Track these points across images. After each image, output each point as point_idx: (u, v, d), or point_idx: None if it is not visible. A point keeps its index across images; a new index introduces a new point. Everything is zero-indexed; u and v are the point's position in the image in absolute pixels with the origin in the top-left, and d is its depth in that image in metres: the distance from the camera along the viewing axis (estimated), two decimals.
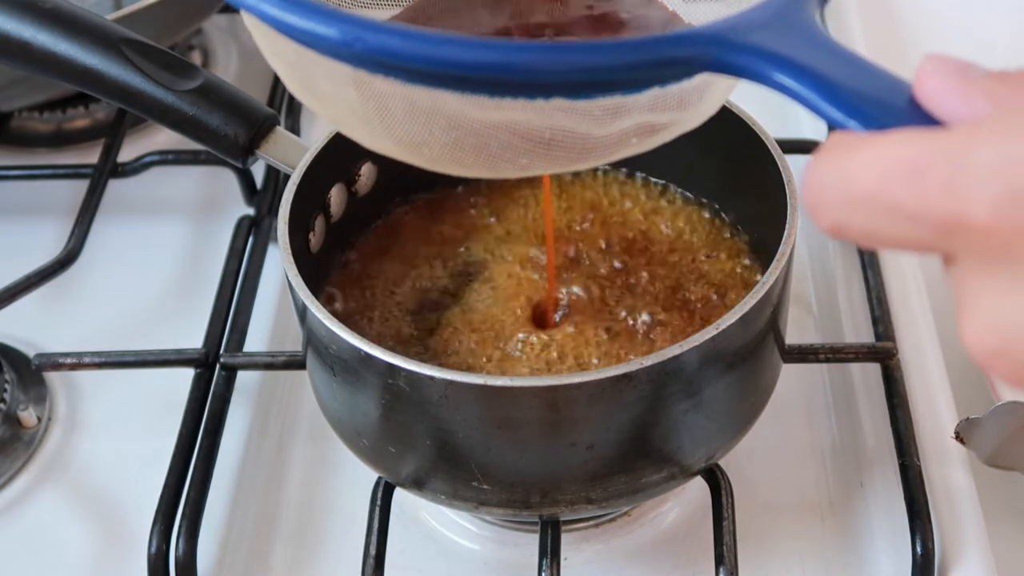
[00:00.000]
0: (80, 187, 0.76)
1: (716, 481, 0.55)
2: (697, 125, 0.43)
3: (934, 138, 0.29)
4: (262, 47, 0.43)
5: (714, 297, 0.57)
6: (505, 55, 0.34)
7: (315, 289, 0.54)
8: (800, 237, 0.73)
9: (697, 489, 0.60)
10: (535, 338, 0.55)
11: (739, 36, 0.34)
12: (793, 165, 0.55)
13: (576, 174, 0.64)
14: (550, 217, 0.57)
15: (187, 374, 0.65)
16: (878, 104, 0.32)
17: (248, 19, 0.40)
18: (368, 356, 0.48)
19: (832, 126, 0.33)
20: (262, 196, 0.77)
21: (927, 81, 0.32)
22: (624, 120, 0.39)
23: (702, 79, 0.36)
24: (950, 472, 0.59)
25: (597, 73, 0.34)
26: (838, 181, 0.30)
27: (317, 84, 0.41)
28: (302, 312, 0.51)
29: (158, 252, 0.78)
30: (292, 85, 0.44)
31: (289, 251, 0.52)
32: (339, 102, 0.41)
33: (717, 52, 0.34)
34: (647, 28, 0.48)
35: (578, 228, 0.62)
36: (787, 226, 0.51)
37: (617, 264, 0.59)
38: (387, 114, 0.40)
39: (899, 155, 0.29)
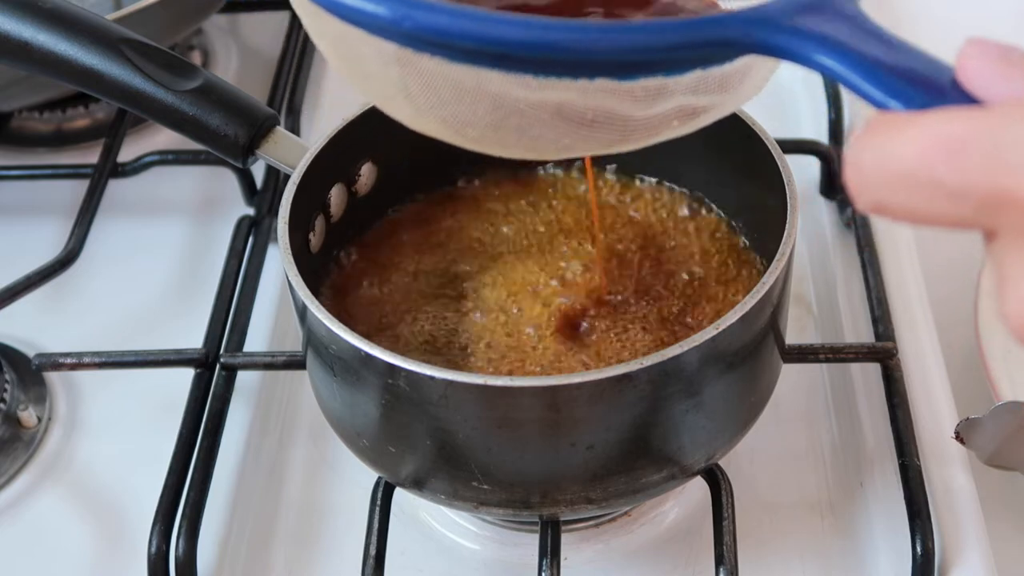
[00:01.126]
0: (80, 187, 0.76)
1: (716, 481, 0.55)
2: (737, 108, 0.43)
3: (975, 115, 0.29)
4: (307, 26, 0.43)
5: (713, 296, 0.57)
6: (552, 34, 0.34)
7: (315, 289, 0.54)
8: (800, 237, 0.73)
9: (697, 489, 0.60)
10: (534, 339, 0.55)
11: (782, 18, 0.35)
12: (793, 165, 0.55)
13: (573, 174, 0.64)
14: (596, 209, 0.57)
15: (187, 374, 0.65)
16: (920, 85, 0.33)
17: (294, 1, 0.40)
18: (368, 356, 0.48)
19: (875, 106, 0.33)
20: (262, 196, 0.77)
21: (969, 63, 0.32)
22: (666, 102, 0.39)
23: (744, 62, 0.36)
24: (950, 472, 0.59)
25: (642, 53, 0.34)
26: (879, 159, 0.30)
27: (362, 63, 0.41)
28: (302, 312, 0.51)
29: (158, 252, 0.78)
30: (336, 64, 0.44)
31: (289, 251, 0.52)
32: (383, 81, 0.41)
33: (761, 33, 0.34)
34: (686, 11, 0.48)
35: (577, 227, 0.62)
36: (787, 226, 0.51)
37: (613, 262, 0.59)
38: (432, 93, 0.40)
39: (940, 132, 0.29)
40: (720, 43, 0.35)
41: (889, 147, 0.30)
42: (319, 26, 0.42)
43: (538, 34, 0.34)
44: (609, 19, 0.47)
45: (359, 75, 0.43)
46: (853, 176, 0.31)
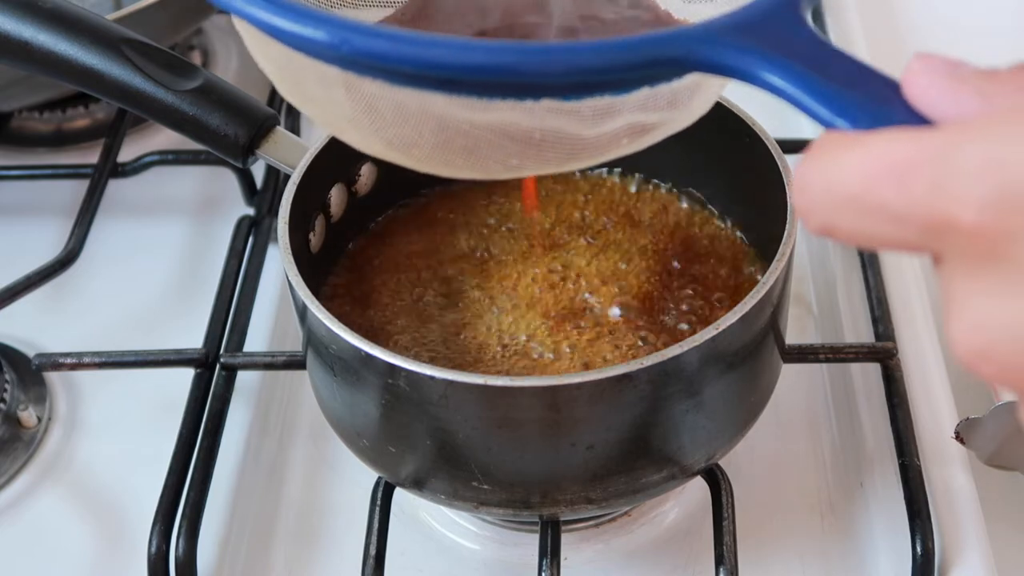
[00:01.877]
0: (80, 187, 0.76)
1: (716, 481, 0.55)
2: (688, 125, 0.42)
3: (921, 138, 0.29)
4: (251, 49, 0.43)
5: (713, 297, 0.57)
6: (494, 57, 0.33)
7: (315, 289, 0.54)
8: (800, 237, 0.73)
9: (697, 489, 0.60)
10: (535, 339, 0.55)
11: (727, 35, 0.34)
12: (793, 165, 0.55)
13: (575, 173, 0.64)
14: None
15: (187, 374, 0.65)
16: (867, 104, 0.32)
17: (238, 22, 0.40)
18: (368, 356, 0.48)
19: (822, 125, 0.32)
20: (262, 196, 0.77)
21: (916, 80, 0.31)
22: (614, 120, 0.39)
23: (693, 79, 0.36)
24: (950, 472, 0.59)
25: (586, 74, 0.34)
26: (825, 183, 0.30)
27: (307, 87, 0.41)
28: (302, 312, 0.51)
29: (158, 252, 0.78)
30: (282, 87, 0.43)
31: (289, 251, 0.52)
32: (329, 104, 0.41)
33: (705, 51, 0.34)
34: (637, 29, 0.48)
35: (580, 226, 0.61)
36: (787, 226, 0.51)
37: (615, 263, 0.59)
38: (376, 116, 0.39)
39: (885, 156, 0.29)
40: (664, 62, 0.34)
41: (835, 170, 0.30)
42: (263, 49, 0.42)
43: (479, 57, 0.33)
44: (554, 38, 0.46)
45: (304, 98, 0.43)
46: (800, 199, 0.31)
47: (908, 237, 0.29)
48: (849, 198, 0.30)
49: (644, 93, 0.36)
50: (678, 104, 0.41)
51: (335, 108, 0.41)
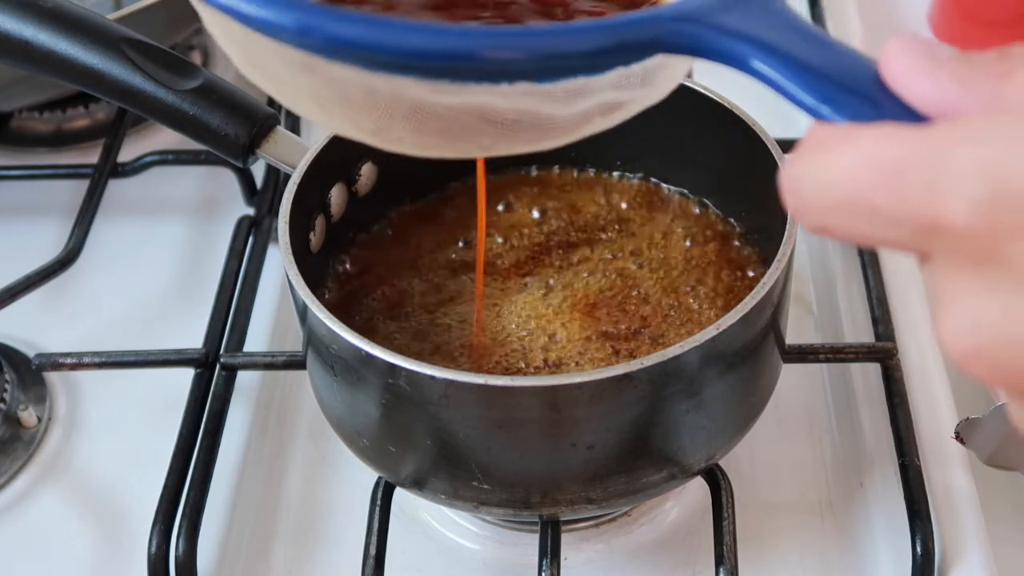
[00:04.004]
0: (80, 187, 0.76)
1: (716, 481, 0.55)
2: (657, 101, 0.42)
3: (911, 137, 0.29)
4: (210, 28, 0.41)
5: (713, 297, 0.57)
6: (470, 41, 0.33)
7: (315, 289, 0.54)
8: (800, 237, 0.73)
9: (697, 489, 0.60)
10: (536, 339, 0.55)
11: (709, 17, 0.34)
12: None
13: (571, 171, 0.64)
14: (483, 207, 0.56)
15: (187, 374, 0.65)
16: (850, 90, 0.32)
17: (195, 3, 0.39)
18: (369, 356, 0.48)
19: (806, 112, 0.32)
20: (262, 196, 0.77)
21: (894, 62, 0.31)
22: (587, 100, 0.38)
23: (663, 56, 0.35)
24: (950, 472, 0.59)
25: (566, 58, 0.33)
26: (815, 184, 0.30)
27: (271, 69, 0.40)
28: (303, 311, 0.51)
29: (158, 252, 0.78)
30: (246, 69, 0.42)
31: (290, 250, 0.52)
32: (293, 87, 0.40)
33: (686, 34, 0.33)
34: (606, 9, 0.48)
35: (582, 225, 0.62)
36: (788, 227, 0.51)
37: (617, 263, 0.59)
38: (344, 99, 0.38)
39: (876, 155, 0.29)
40: (643, 45, 0.34)
41: (825, 172, 0.30)
42: (225, 29, 0.40)
43: (454, 43, 0.33)
44: (525, 20, 0.46)
45: (269, 80, 0.41)
46: (793, 200, 0.31)
47: (901, 237, 0.29)
48: (840, 199, 0.30)
49: (618, 72, 0.36)
50: (650, 81, 0.40)
51: (300, 90, 0.40)
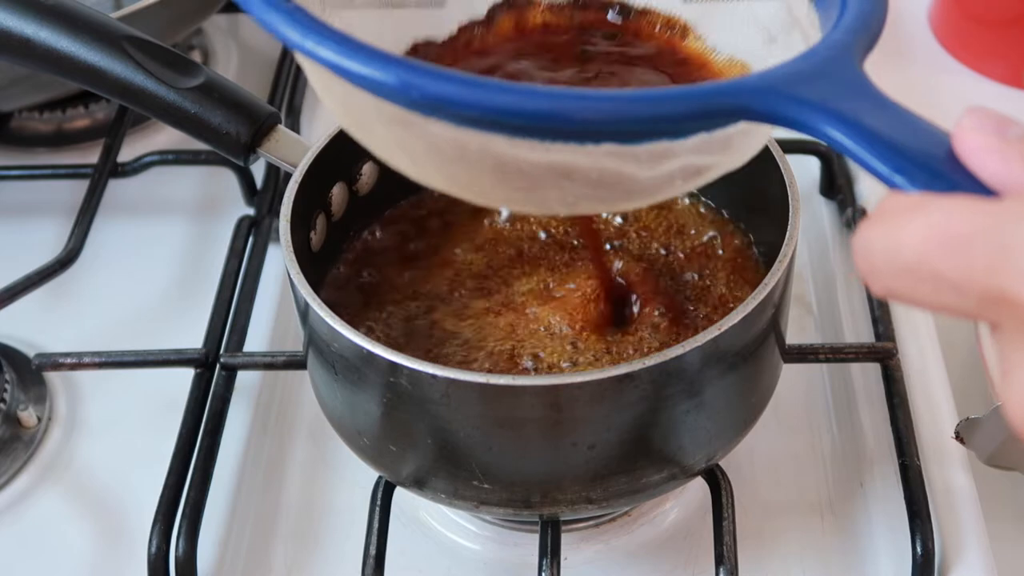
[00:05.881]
0: (80, 187, 0.76)
1: (716, 481, 0.55)
2: (739, 166, 0.43)
3: (980, 210, 0.30)
4: (312, 81, 0.43)
5: (713, 297, 0.57)
6: (561, 103, 0.34)
7: (316, 287, 0.54)
8: (800, 237, 0.73)
9: (697, 489, 0.61)
10: (537, 339, 0.55)
11: (789, 88, 0.35)
12: (794, 165, 0.55)
13: None
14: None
15: (187, 374, 0.65)
16: (925, 162, 0.33)
17: (300, 57, 0.40)
18: (370, 354, 0.48)
19: (881, 181, 0.33)
20: (262, 196, 0.77)
21: (967, 138, 0.32)
22: (670, 163, 0.40)
23: (745, 123, 0.37)
24: (950, 472, 0.59)
25: (651, 122, 0.35)
26: (886, 250, 0.31)
27: (368, 123, 0.42)
28: (304, 310, 0.51)
29: (158, 252, 0.78)
30: (344, 121, 0.44)
31: (291, 249, 0.52)
32: (388, 139, 0.42)
33: (765, 103, 0.35)
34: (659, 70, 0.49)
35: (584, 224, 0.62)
36: (789, 227, 0.52)
37: (618, 263, 0.59)
38: (436, 154, 0.40)
39: (946, 226, 0.30)
40: (725, 113, 0.35)
41: (895, 238, 0.31)
42: (326, 84, 0.42)
43: (546, 104, 0.34)
44: (610, 84, 0.47)
45: (365, 132, 0.43)
46: (864, 264, 0.32)
47: (967, 306, 0.30)
48: (909, 266, 0.31)
49: (700, 137, 0.37)
50: (731, 147, 0.42)
51: (395, 144, 0.42)
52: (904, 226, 0.31)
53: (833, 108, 0.34)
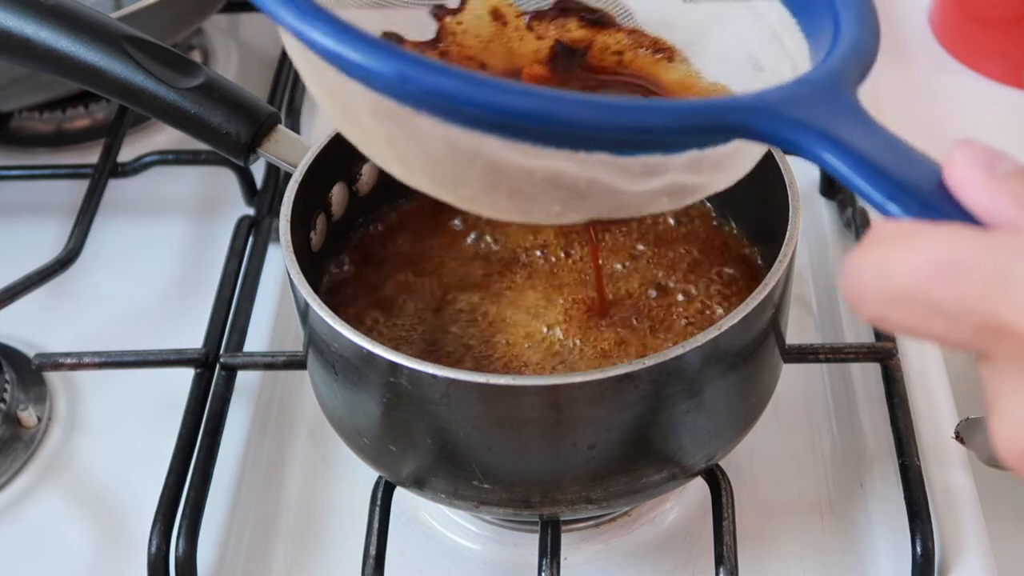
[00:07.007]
0: (80, 187, 0.76)
1: (716, 481, 0.55)
2: (727, 187, 0.43)
3: (975, 240, 0.30)
4: (303, 74, 0.43)
5: (714, 297, 0.57)
6: (559, 106, 0.34)
7: (316, 287, 0.54)
8: (800, 237, 0.73)
9: (697, 489, 0.61)
10: (537, 339, 0.55)
11: (787, 109, 0.35)
12: (794, 165, 0.55)
13: None
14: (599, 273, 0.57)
15: (187, 374, 0.65)
16: (915, 191, 0.33)
17: (290, 45, 0.40)
18: (370, 354, 0.48)
19: (874, 207, 0.33)
20: (262, 196, 0.77)
21: (956, 172, 0.32)
22: (659, 179, 0.40)
23: (738, 143, 0.37)
24: (950, 472, 0.59)
25: (645, 133, 0.35)
26: (877, 277, 0.31)
27: (358, 117, 0.41)
28: (304, 310, 0.51)
29: (158, 252, 0.78)
30: (333, 113, 0.44)
31: (291, 249, 0.52)
32: (377, 136, 0.41)
33: (764, 123, 0.35)
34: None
35: (575, 228, 0.61)
36: (789, 227, 0.52)
37: (618, 263, 0.59)
38: (425, 153, 0.40)
39: (939, 255, 0.30)
40: (721, 129, 0.35)
41: (887, 265, 0.31)
42: (317, 74, 0.42)
43: (545, 105, 0.34)
44: (602, 92, 0.47)
45: (355, 129, 0.43)
46: (853, 288, 0.32)
47: (959, 334, 0.30)
48: (901, 293, 0.30)
49: (692, 154, 0.37)
50: (721, 167, 0.42)
51: (383, 141, 0.41)
52: (897, 251, 0.31)
53: (830, 133, 0.34)
